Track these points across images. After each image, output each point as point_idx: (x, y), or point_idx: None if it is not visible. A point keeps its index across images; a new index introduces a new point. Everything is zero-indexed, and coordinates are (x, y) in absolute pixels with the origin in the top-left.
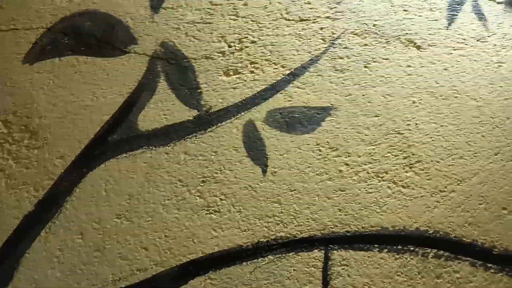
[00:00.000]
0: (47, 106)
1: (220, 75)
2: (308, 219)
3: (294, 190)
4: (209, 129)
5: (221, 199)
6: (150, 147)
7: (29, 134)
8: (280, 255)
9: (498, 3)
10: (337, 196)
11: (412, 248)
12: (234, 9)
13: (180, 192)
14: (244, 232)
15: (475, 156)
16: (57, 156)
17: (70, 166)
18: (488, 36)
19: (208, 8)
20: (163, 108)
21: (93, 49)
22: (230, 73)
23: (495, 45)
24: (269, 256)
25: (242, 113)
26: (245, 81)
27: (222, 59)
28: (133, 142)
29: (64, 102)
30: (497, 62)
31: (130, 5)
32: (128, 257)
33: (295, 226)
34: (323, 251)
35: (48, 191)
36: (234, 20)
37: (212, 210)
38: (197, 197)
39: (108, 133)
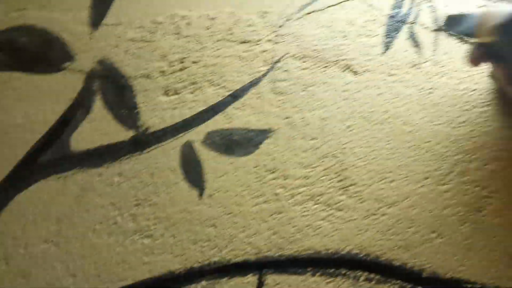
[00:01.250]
0: None
1: (159, 95)
2: (243, 242)
3: (230, 213)
4: (145, 151)
5: (154, 224)
6: (82, 169)
7: None
8: (213, 280)
9: (432, 31)
10: (272, 219)
11: (344, 272)
12: (176, 28)
13: (111, 216)
14: (177, 257)
15: (406, 180)
16: None
17: None
18: (422, 63)
19: (150, 26)
20: (98, 128)
21: (27, 65)
22: (170, 93)
23: (428, 72)
24: (203, 282)
25: (181, 134)
26: (185, 101)
27: (162, 79)
28: (64, 163)
29: None
30: (430, 88)
31: (68, 21)
32: (55, 284)
33: (229, 250)
34: (257, 276)
35: None
36: (176, 39)
37: (145, 235)
38: (129, 222)
39: (39, 153)
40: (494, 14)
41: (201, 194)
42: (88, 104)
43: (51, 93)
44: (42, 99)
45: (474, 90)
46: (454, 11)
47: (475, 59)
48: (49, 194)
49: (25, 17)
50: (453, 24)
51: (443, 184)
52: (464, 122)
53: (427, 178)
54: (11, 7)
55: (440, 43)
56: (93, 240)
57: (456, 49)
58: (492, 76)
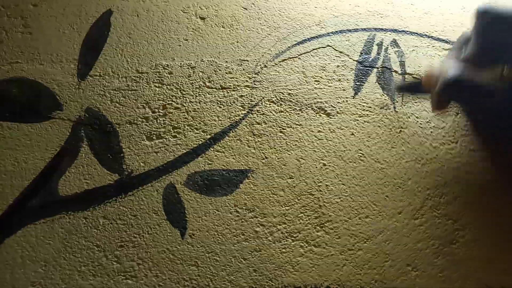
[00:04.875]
0: None
1: (143, 140)
2: (225, 281)
3: (212, 252)
4: (129, 193)
5: (138, 264)
6: (69, 212)
7: None
8: None
9: (400, 74)
10: (252, 257)
11: None
12: (159, 77)
13: (97, 257)
14: None
15: (379, 215)
16: None
17: None
18: (391, 104)
19: (134, 76)
20: (84, 173)
21: (18, 115)
22: (153, 137)
23: (397, 111)
24: None
25: (163, 177)
26: (167, 145)
27: (145, 124)
28: (52, 207)
29: None
30: (399, 128)
31: (57, 72)
32: None
33: None
34: None
35: None
36: (159, 87)
37: (129, 275)
38: (114, 263)
39: (28, 199)
40: (437, 73)
41: (183, 234)
42: (75, 150)
43: (40, 141)
44: (31, 146)
45: (442, 128)
46: (404, 81)
47: (437, 109)
48: (37, 237)
49: (16, 70)
50: (406, 91)
51: (416, 219)
52: (433, 158)
53: (400, 213)
54: (3, 60)
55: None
56: (79, 281)
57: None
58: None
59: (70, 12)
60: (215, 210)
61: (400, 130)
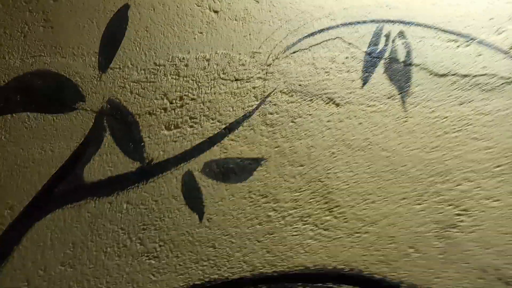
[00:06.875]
0: None
1: (162, 130)
2: (240, 261)
3: (228, 234)
4: (150, 180)
5: (160, 245)
6: (94, 198)
7: None
8: None
9: (405, 65)
10: (266, 239)
11: (330, 285)
12: (176, 69)
13: (121, 239)
14: (180, 276)
15: (385, 200)
16: (6, 207)
17: (19, 217)
18: (397, 94)
19: (152, 68)
20: (108, 161)
21: (43, 106)
22: (171, 127)
23: (403, 102)
24: None
25: (182, 165)
26: (185, 134)
27: (164, 115)
28: (78, 193)
29: (14, 156)
30: (405, 117)
31: (79, 65)
32: None
33: (227, 268)
34: None
35: None
36: (176, 79)
37: (152, 256)
38: (137, 244)
39: (55, 185)
40: None
41: (201, 218)
42: (99, 139)
43: (65, 131)
44: (57, 136)
45: (446, 117)
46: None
47: None
48: (65, 221)
49: (39, 63)
50: None
51: (419, 204)
52: (436, 147)
53: (404, 198)
54: (27, 54)
55: (413, 76)
56: (105, 262)
57: (428, 81)
58: None
59: (89, 7)
60: (230, 196)
61: (406, 120)
